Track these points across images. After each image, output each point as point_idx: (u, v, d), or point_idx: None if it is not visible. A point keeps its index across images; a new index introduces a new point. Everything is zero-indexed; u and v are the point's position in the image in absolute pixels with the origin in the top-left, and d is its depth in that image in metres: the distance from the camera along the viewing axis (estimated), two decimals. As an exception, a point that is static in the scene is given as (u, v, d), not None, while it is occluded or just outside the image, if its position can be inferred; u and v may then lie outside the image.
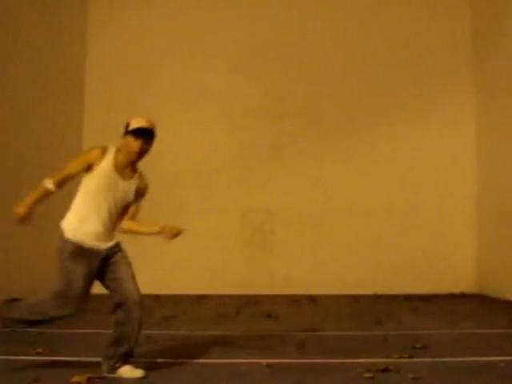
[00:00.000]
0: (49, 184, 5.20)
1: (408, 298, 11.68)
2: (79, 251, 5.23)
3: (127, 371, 5.23)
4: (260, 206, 12.99)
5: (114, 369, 5.24)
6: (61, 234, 5.27)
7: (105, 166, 5.29)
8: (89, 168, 5.28)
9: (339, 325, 8.60)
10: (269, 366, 5.72)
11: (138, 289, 5.27)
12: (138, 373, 5.22)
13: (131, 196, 5.47)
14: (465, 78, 13.19)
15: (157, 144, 13.49)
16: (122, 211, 5.50)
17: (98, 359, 5.29)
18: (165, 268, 12.57)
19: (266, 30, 13.19)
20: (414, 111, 13.15)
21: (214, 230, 12.78)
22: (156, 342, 7.04)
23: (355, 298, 11.62)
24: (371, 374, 5.38)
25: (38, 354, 6.18)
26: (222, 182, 12.93)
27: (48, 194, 5.23)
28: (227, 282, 12.53)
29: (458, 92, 13.18)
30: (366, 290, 12.41)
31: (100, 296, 12.17)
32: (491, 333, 7.85)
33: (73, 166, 5.29)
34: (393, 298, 11.77)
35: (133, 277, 5.34)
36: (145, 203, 14.11)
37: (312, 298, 11.62)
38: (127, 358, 5.29)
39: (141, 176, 5.56)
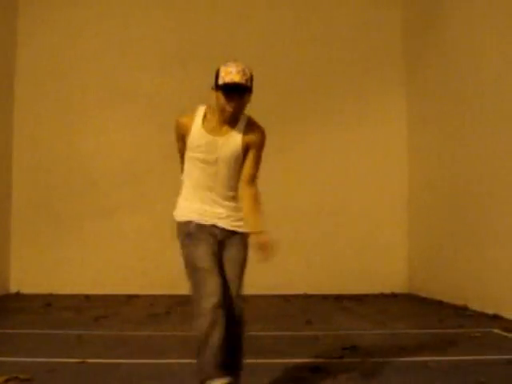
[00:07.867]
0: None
1: (339, 298, 11.74)
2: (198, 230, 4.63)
3: None
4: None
5: None
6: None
7: (195, 130, 4.47)
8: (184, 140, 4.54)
9: (269, 325, 8.59)
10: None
11: None
12: None
13: (238, 152, 4.49)
14: (396, 75, 13.25)
15: (87, 143, 13.35)
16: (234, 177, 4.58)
17: (29, 359, 5.20)
18: (95, 268, 12.39)
19: (197, 32, 13.07)
20: (345, 109, 13.13)
21: (146, 229, 12.62)
22: (87, 343, 6.96)
23: (285, 298, 11.64)
24: (302, 375, 5.40)
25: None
26: (153, 182, 12.74)
27: None
28: (158, 282, 12.39)
29: (389, 90, 13.23)
30: (296, 290, 12.41)
31: (28, 296, 11.98)
32: (421, 333, 7.97)
33: (178, 148, 4.67)
34: (323, 297, 11.81)
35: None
36: (76, 203, 13.85)
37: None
38: None
39: (248, 123, 4.56)
